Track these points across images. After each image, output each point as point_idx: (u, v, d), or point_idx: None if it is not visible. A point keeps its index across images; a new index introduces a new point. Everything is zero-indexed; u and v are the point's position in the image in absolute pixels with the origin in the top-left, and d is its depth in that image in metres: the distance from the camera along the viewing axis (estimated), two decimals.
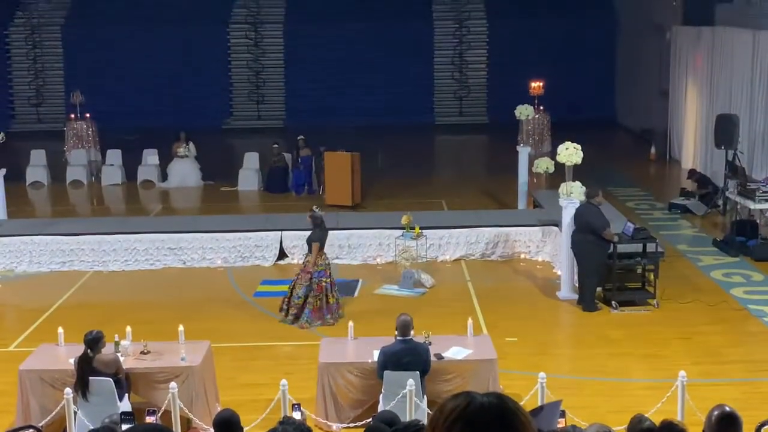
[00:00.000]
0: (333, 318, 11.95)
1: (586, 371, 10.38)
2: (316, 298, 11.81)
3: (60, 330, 9.52)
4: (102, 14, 30.46)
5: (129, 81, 29.95)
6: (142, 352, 9.13)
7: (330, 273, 12.02)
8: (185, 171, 21.39)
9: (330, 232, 14.51)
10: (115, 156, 22.27)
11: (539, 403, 8.05)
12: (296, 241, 14.76)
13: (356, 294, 13.37)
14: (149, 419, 7.82)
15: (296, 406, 7.84)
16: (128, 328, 9.56)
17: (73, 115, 23.74)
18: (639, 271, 12.92)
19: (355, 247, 14.85)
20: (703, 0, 21.44)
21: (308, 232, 12.24)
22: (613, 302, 12.39)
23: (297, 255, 14.78)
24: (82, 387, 8.38)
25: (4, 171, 15.72)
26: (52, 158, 22.64)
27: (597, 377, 10.19)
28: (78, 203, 20.82)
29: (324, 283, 11.84)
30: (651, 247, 12.60)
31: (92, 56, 29.98)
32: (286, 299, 12.05)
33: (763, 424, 6.69)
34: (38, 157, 22.28)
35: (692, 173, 19.12)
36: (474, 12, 31.65)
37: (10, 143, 17.31)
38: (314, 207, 12.32)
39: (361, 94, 30.23)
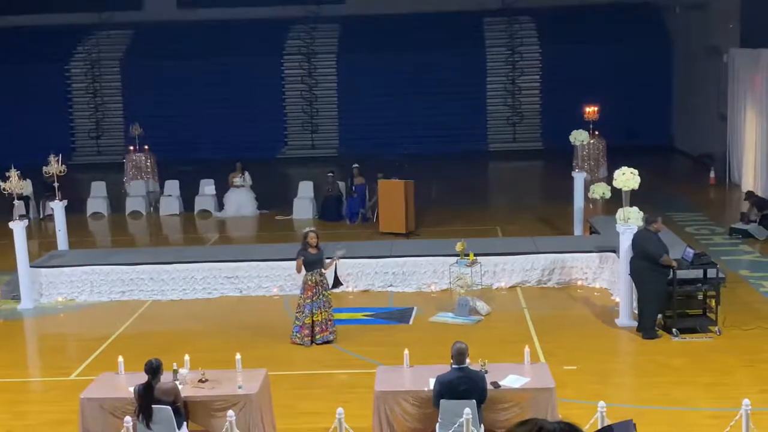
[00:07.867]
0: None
1: (647, 400, 10.17)
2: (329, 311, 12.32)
3: (120, 359, 9.65)
4: (159, 48, 31.15)
5: (186, 113, 30.50)
6: (200, 381, 9.20)
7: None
8: (241, 200, 21.66)
9: (384, 260, 14.72)
10: (172, 187, 22.64)
11: None
12: (351, 269, 14.80)
13: (411, 322, 13.33)
14: None
15: None
16: (186, 357, 9.64)
17: (132, 147, 24.22)
18: (700, 297, 12.65)
19: (410, 274, 14.83)
20: (761, 21, 21.12)
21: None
22: (673, 329, 12.15)
23: (351, 283, 14.82)
24: (146, 415, 8.45)
25: (65, 202, 16.06)
26: (112, 190, 23.11)
27: (658, 406, 9.98)
28: (137, 233, 21.17)
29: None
30: (712, 273, 12.36)
31: (150, 89, 30.64)
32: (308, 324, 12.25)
33: None
34: (98, 188, 22.76)
35: (750, 195, 18.67)
36: (526, 38, 31.62)
37: (71, 175, 17.70)
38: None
39: (414, 121, 30.32)
